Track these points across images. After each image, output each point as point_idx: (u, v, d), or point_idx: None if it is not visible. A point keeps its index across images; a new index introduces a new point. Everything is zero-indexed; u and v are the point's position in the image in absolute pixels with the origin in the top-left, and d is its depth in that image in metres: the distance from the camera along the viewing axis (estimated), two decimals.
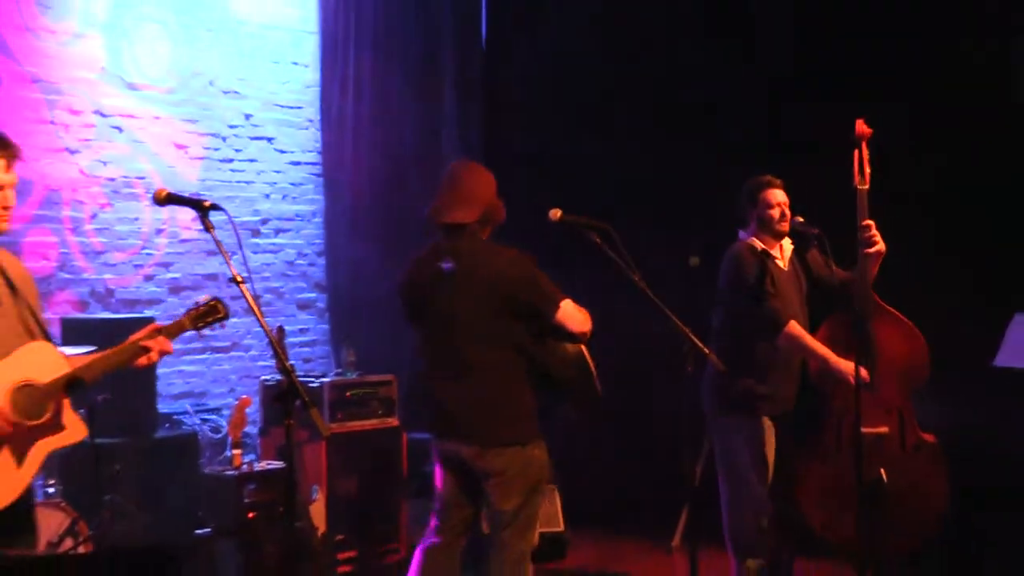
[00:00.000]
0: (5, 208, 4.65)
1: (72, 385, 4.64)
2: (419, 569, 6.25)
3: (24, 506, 4.73)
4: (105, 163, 9.24)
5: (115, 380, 5.04)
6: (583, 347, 6.18)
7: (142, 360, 4.80)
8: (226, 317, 4.85)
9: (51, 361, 4.68)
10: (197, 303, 4.94)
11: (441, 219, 6.18)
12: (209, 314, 4.90)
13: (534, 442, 6.13)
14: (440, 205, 6.21)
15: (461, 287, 6.09)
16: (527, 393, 6.13)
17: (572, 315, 6.04)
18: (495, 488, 6.08)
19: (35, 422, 4.57)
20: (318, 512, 7.81)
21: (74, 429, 4.72)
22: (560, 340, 6.14)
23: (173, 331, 4.87)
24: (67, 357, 4.77)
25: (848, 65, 8.44)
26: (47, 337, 4.82)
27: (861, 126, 6.96)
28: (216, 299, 4.83)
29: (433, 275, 6.19)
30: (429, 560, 6.23)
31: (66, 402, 4.68)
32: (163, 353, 4.84)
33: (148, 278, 9.50)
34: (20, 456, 4.58)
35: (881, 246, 6.86)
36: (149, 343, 4.78)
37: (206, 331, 4.99)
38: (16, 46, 8.75)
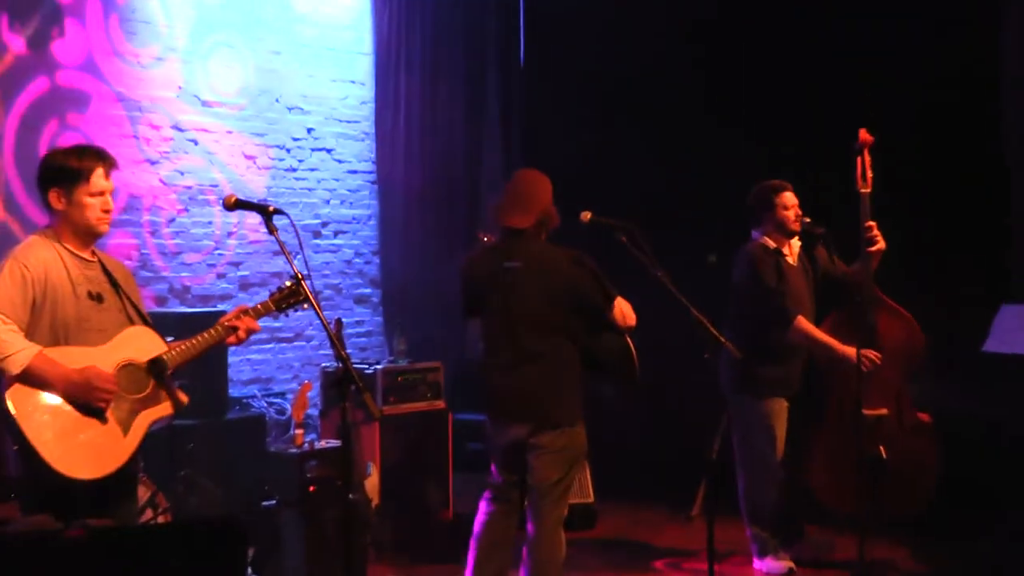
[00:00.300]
0: (106, 211, 4.76)
1: (153, 365, 4.73)
2: (480, 534, 6.28)
3: (130, 471, 4.84)
4: (182, 173, 9.25)
5: (191, 367, 5.04)
6: (628, 337, 6.18)
7: (231, 339, 4.91)
8: (306, 301, 4.80)
9: (150, 343, 4.81)
10: (280, 287, 4.98)
11: (502, 222, 6.20)
12: (291, 296, 4.93)
13: (579, 423, 6.14)
14: (503, 208, 6.24)
15: (524, 284, 6.09)
16: (577, 380, 6.15)
17: (624, 311, 6.08)
18: (542, 462, 6.08)
19: (136, 396, 4.69)
20: (372, 486, 7.79)
21: (172, 402, 4.82)
22: (610, 331, 6.14)
23: (259, 312, 4.95)
24: (166, 341, 4.86)
25: (852, 75, 8.37)
26: (147, 324, 4.89)
27: (863, 134, 6.96)
28: (297, 282, 4.79)
29: (495, 272, 6.19)
30: (488, 527, 6.26)
31: (169, 375, 4.80)
32: (250, 331, 4.93)
33: (220, 276, 9.51)
34: (126, 426, 4.67)
35: (881, 244, 6.90)
36: (237, 323, 4.87)
37: (289, 312, 5.02)
38: (105, 69, 8.79)
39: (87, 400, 4.52)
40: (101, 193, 4.71)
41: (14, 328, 4.47)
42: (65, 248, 4.68)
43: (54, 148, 4.95)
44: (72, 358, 4.55)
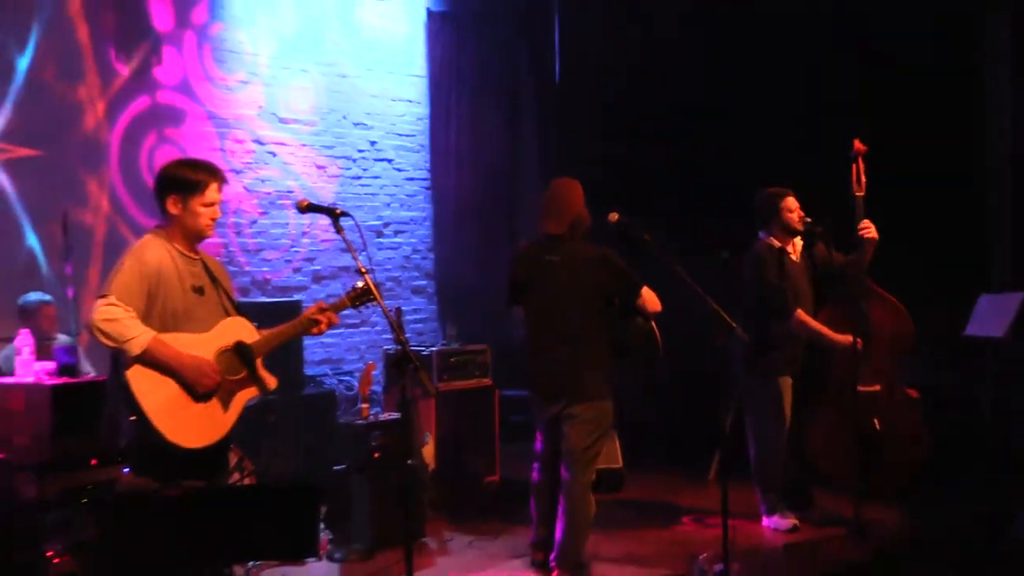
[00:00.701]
0: (214, 219, 4.79)
1: (239, 351, 4.76)
2: (535, 503, 6.37)
3: (226, 443, 4.88)
4: (262, 181, 9.32)
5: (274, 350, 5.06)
6: (653, 322, 6.20)
7: (314, 330, 4.93)
8: (376, 299, 4.83)
9: (245, 331, 4.83)
10: (355, 286, 4.97)
11: (541, 229, 6.29)
12: (364, 295, 4.92)
13: (608, 397, 6.17)
14: (541, 216, 6.31)
15: (563, 277, 6.15)
16: (608, 359, 6.18)
17: (649, 298, 6.10)
18: (574, 431, 6.11)
19: (234, 377, 4.73)
20: (428, 453, 7.80)
21: (264, 383, 4.85)
22: (637, 317, 6.17)
23: (337, 307, 4.96)
24: (257, 329, 4.90)
25: (848, 88, 8.36)
26: (240, 314, 4.91)
27: (858, 144, 6.93)
28: (367, 284, 4.83)
29: (539, 266, 6.25)
30: (540, 495, 6.35)
31: (258, 362, 4.82)
32: (331, 324, 4.96)
33: (295, 270, 9.57)
34: (226, 404, 4.72)
35: (874, 234, 6.88)
36: (320, 317, 4.89)
37: (361, 309, 5.05)
38: (199, 91, 8.94)
39: (195, 383, 4.57)
40: (212, 204, 4.75)
41: (133, 315, 4.49)
42: (174, 247, 4.71)
43: (176, 160, 4.97)
44: (182, 343, 4.59)
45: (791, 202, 7.01)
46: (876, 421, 7.13)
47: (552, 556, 6.19)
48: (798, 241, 7.12)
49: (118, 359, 4.54)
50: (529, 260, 6.34)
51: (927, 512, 7.10)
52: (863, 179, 6.93)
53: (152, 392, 4.50)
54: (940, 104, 8.18)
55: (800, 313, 6.94)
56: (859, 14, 8.54)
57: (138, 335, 4.47)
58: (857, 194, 6.93)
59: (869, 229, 6.91)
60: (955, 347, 6.90)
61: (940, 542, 6.52)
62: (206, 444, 4.65)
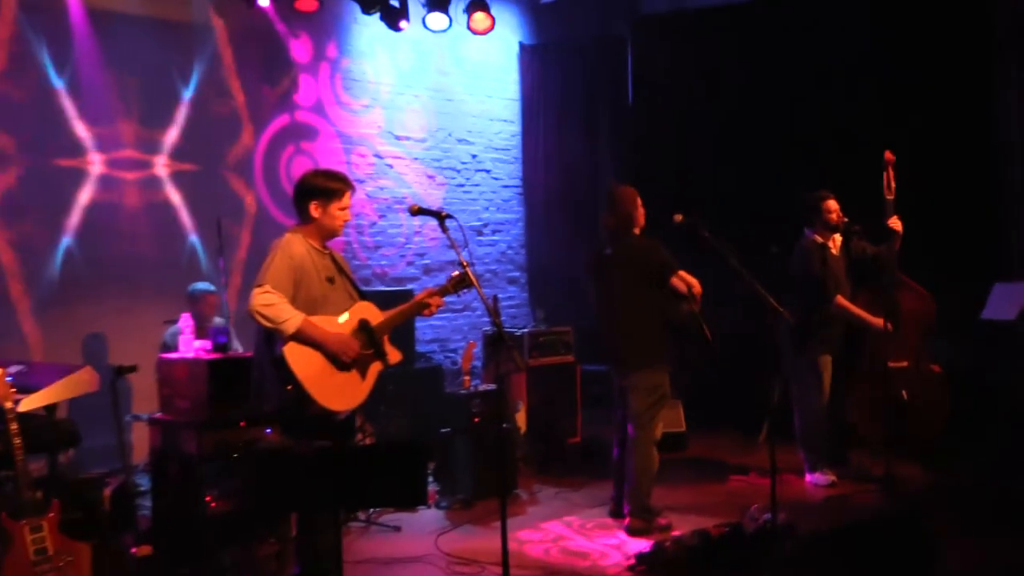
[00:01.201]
0: (346, 221, 4.85)
1: (368, 329, 4.79)
2: (615, 467, 6.43)
3: (359, 409, 4.94)
4: (380, 189, 9.41)
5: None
6: (695, 308, 6.12)
7: (425, 312, 4.96)
8: (472, 285, 4.85)
9: (371, 313, 4.85)
10: (452, 276, 4.99)
11: (601, 224, 6.40)
12: (462, 282, 4.94)
13: (658, 367, 6.17)
14: (602, 214, 6.40)
15: (615, 267, 6.22)
16: (656, 334, 6.16)
17: (680, 280, 6.08)
18: (634, 397, 6.17)
19: (367, 352, 4.75)
20: (520, 418, 7.85)
21: (392, 356, 4.88)
22: (679, 299, 6.12)
23: (441, 292, 4.99)
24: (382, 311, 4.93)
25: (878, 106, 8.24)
26: (364, 299, 4.94)
27: (888, 155, 6.85)
28: (465, 273, 4.85)
29: (599, 260, 6.35)
30: (617, 461, 6.41)
31: (385, 338, 4.84)
32: (438, 307, 4.99)
33: (408, 264, 9.64)
34: (363, 374, 4.75)
35: (899, 227, 6.83)
36: (430, 301, 4.93)
37: (461, 293, 5.03)
38: (331, 114, 9.09)
39: (338, 356, 4.60)
40: (346, 208, 4.80)
41: (285, 300, 4.54)
42: (310, 244, 4.75)
43: (316, 170, 4.97)
44: (325, 323, 4.64)
45: (831, 204, 6.99)
46: (904, 392, 7.05)
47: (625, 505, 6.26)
48: (837, 237, 7.08)
49: (270, 338, 4.60)
50: (594, 256, 6.44)
51: (946, 469, 6.99)
52: (892, 184, 6.85)
53: (305, 365, 4.54)
54: (958, 124, 8.06)
55: (840, 299, 6.91)
56: (882, 36, 8.42)
57: (291, 317, 4.51)
58: (888, 197, 6.85)
59: (896, 224, 6.86)
60: (973, 329, 6.75)
61: (958, 494, 6.43)
62: (349, 408, 4.73)
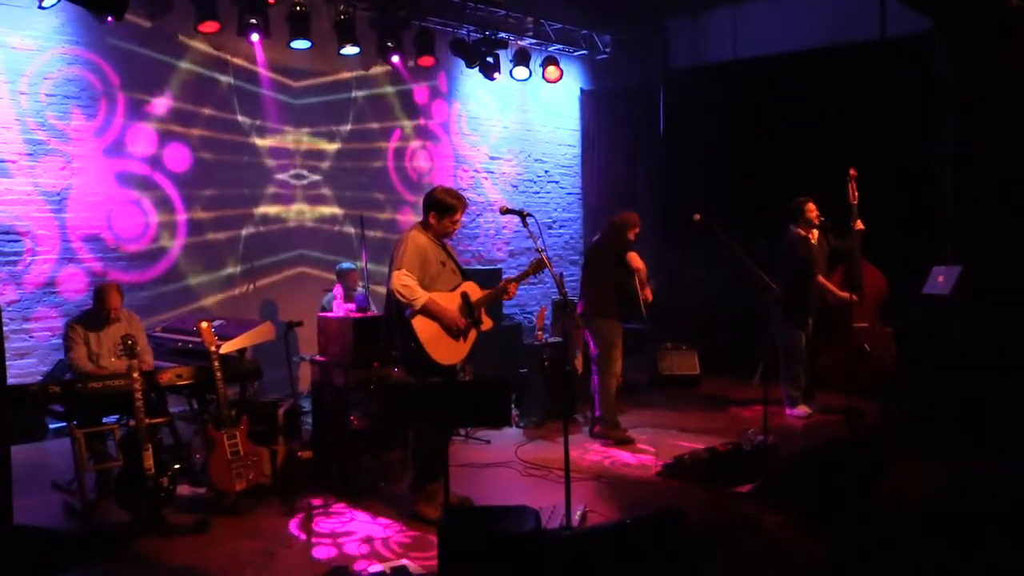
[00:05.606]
0: (455, 230, 4.73)
1: (470, 304, 4.74)
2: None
3: (461, 362, 4.88)
4: (479, 195, 9.41)
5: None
6: (637, 281, 6.08)
7: (505, 296, 4.91)
8: (546, 266, 4.77)
9: (473, 290, 4.79)
10: (532, 261, 4.94)
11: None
12: (538, 266, 4.89)
13: (609, 320, 6.16)
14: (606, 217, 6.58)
15: (594, 248, 6.42)
16: (609, 299, 6.15)
17: (634, 263, 6.08)
18: (593, 341, 6.25)
19: (469, 320, 4.70)
20: (578, 362, 7.78)
21: (486, 324, 4.82)
22: (631, 274, 6.10)
23: (521, 278, 4.93)
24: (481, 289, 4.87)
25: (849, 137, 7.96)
26: (467, 279, 4.84)
27: (852, 171, 6.80)
28: (540, 258, 4.77)
29: (591, 245, 6.50)
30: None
31: (482, 311, 4.77)
32: (515, 291, 4.91)
33: (498, 249, 9.64)
34: (465, 338, 4.69)
35: (862, 226, 6.78)
36: (509, 287, 4.87)
37: (537, 275, 5.03)
38: (448, 140, 9.08)
39: (451, 326, 4.57)
40: (456, 221, 4.70)
41: (416, 281, 4.48)
42: (429, 236, 4.67)
43: (442, 187, 4.76)
44: (442, 299, 4.60)
45: (812, 206, 6.81)
46: (865, 345, 6.92)
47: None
48: (816, 232, 6.88)
49: (401, 308, 4.52)
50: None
51: (894, 405, 6.79)
52: (855, 193, 6.75)
53: (426, 331, 4.52)
54: (902, 148, 7.78)
55: (819, 277, 6.76)
56: (849, 85, 8.19)
57: (421, 295, 4.47)
58: (852, 203, 6.76)
59: (859, 224, 6.76)
60: (916, 300, 6.54)
61: (905, 425, 6.24)
62: (454, 363, 4.69)
